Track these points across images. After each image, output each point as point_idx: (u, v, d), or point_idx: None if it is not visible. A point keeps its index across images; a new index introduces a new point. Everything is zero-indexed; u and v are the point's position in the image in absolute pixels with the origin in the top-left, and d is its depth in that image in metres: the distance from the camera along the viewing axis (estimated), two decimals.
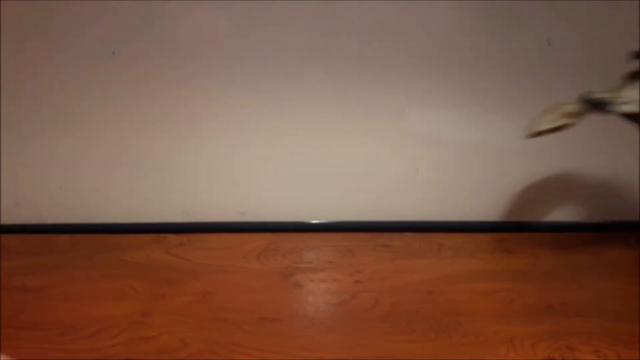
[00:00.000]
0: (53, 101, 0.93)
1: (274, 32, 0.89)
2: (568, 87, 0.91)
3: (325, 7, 0.87)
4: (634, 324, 0.72)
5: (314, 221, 0.98)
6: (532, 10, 0.87)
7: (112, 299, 0.79)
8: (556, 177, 0.96)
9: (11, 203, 0.98)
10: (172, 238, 0.94)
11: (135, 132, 0.94)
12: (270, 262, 0.88)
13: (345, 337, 0.71)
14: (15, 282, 0.82)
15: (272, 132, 0.94)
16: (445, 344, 0.69)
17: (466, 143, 0.95)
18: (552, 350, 0.68)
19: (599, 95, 0.50)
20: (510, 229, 0.96)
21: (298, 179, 0.97)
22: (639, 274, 0.83)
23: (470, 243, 0.92)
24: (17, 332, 0.71)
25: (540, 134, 0.55)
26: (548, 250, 0.90)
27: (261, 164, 0.96)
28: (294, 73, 0.90)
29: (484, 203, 0.97)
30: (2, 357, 0.65)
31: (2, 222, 0.99)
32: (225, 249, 0.92)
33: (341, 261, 0.88)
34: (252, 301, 0.78)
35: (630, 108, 0.54)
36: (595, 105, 0.56)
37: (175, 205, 0.98)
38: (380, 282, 0.82)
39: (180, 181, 0.97)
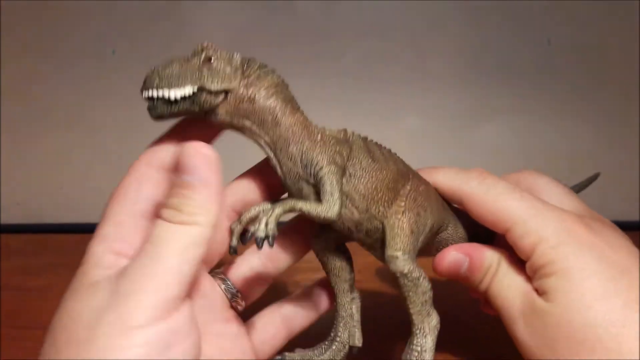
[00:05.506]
0: (53, 100, 0.93)
1: (274, 33, 0.89)
2: (568, 87, 0.91)
3: (326, 7, 0.87)
4: None
5: None
6: (532, 10, 0.87)
7: None
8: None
9: (11, 203, 0.98)
10: None
11: (135, 132, 0.94)
12: None
13: None
14: (15, 282, 0.82)
15: None
16: (445, 344, 0.69)
17: (465, 143, 0.95)
18: None
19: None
20: None
21: None
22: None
23: None
24: (17, 332, 0.71)
25: None
26: None
27: None
28: (294, 74, 0.90)
29: None
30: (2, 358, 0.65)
31: (2, 222, 0.99)
32: None
33: None
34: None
35: None
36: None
37: None
38: (380, 282, 0.82)
39: None
